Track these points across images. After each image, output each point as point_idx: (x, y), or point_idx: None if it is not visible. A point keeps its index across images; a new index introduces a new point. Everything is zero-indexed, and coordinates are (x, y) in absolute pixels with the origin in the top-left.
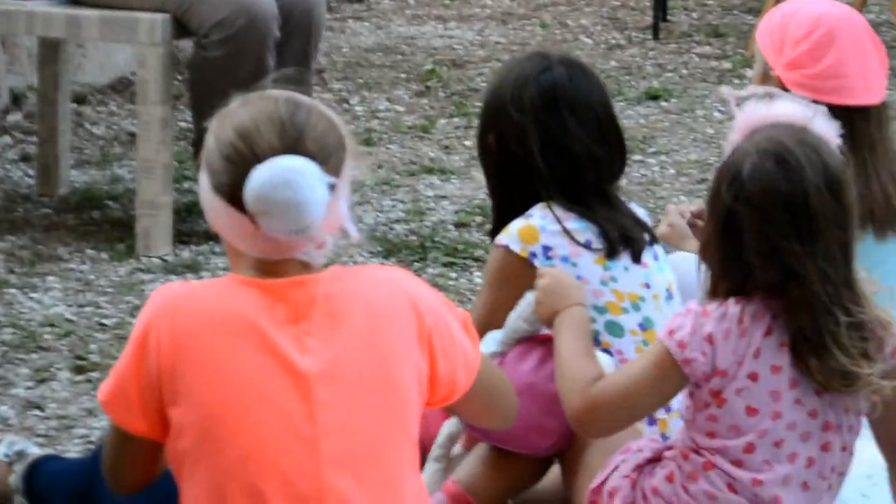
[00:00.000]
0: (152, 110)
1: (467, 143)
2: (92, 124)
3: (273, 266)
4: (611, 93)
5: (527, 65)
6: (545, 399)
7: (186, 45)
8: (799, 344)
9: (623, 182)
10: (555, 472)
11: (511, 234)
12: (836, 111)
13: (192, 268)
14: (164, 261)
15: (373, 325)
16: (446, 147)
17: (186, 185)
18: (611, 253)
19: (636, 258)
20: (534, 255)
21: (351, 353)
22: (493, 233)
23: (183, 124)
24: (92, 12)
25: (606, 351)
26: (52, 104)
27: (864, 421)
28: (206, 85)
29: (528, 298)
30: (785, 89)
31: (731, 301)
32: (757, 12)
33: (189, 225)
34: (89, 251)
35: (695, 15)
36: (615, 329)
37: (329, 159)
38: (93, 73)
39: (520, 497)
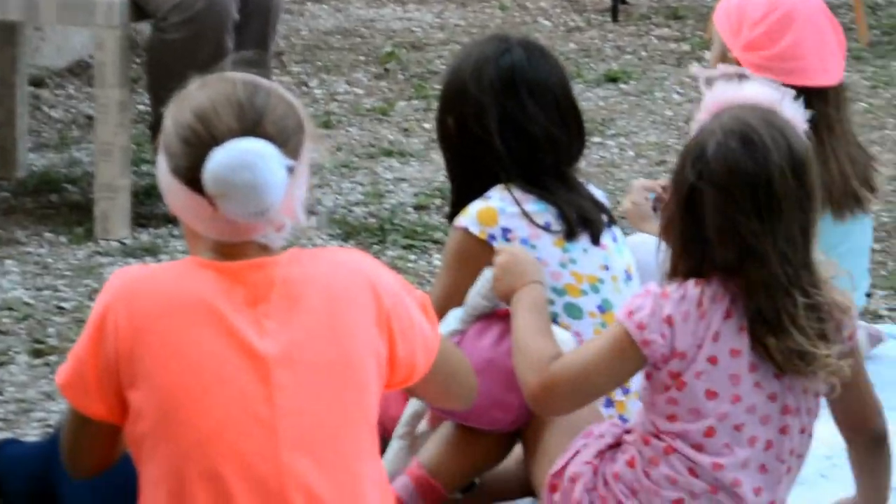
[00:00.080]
0: (110, 93)
1: (426, 125)
2: (50, 107)
3: (232, 249)
4: (570, 75)
5: (486, 47)
6: (505, 374)
7: (144, 28)
8: (757, 325)
9: (582, 164)
10: (518, 451)
11: (470, 216)
12: (795, 92)
13: (151, 251)
14: (123, 244)
15: (331, 307)
16: (405, 130)
17: (145, 167)
18: (570, 235)
19: (595, 240)
20: (493, 237)
21: (309, 336)
22: (452, 215)
23: (141, 107)
24: None
25: None
26: (10, 87)
27: (823, 402)
28: (164, 67)
29: (487, 275)
30: None
31: (691, 283)
32: None
33: (148, 208)
34: (47, 234)
35: None
36: (574, 311)
37: (288, 142)
38: (50, 57)
39: (484, 476)
